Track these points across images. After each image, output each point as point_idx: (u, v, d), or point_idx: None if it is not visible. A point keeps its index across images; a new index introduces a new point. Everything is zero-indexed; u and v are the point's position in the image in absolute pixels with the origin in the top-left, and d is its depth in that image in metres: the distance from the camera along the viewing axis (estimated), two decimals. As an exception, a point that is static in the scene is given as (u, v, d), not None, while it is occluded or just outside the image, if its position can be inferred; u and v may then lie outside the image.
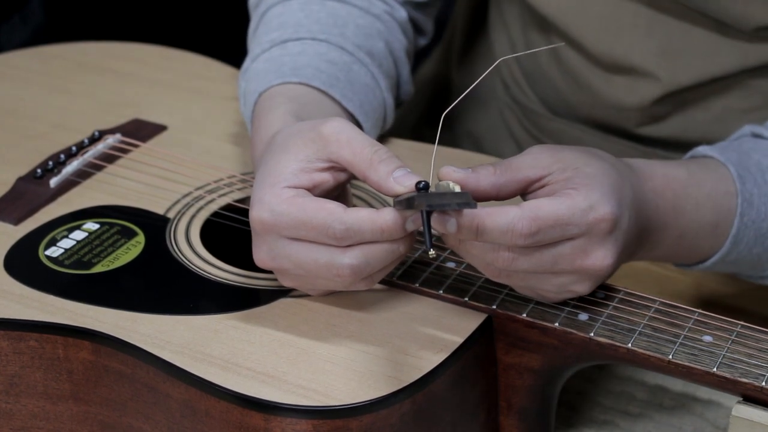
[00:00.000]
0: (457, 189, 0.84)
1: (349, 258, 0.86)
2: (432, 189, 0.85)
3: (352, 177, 0.91)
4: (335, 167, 0.89)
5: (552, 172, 0.87)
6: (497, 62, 0.95)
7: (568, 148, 0.89)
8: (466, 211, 0.83)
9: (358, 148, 0.88)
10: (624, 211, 0.87)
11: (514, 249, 0.85)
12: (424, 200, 0.82)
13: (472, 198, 0.83)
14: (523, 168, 0.87)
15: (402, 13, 1.14)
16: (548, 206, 0.84)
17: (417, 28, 1.19)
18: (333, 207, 0.86)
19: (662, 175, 0.93)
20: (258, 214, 0.88)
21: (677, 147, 1.17)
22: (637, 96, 1.15)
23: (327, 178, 0.90)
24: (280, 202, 0.87)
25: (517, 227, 0.83)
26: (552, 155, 0.88)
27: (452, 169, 0.86)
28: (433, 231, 0.83)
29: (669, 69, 1.12)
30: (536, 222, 0.84)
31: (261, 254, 0.90)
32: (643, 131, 1.19)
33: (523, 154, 0.89)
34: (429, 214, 0.82)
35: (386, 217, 0.85)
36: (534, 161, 0.88)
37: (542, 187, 0.87)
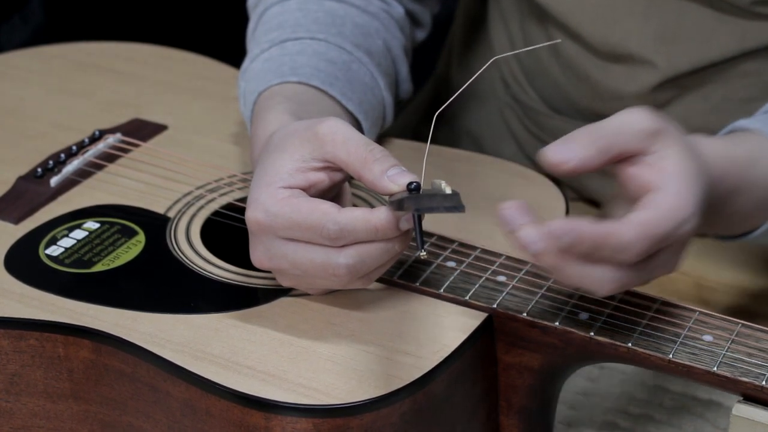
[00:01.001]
0: (449, 190, 0.84)
1: (345, 257, 0.87)
2: (427, 187, 0.85)
3: (348, 177, 0.91)
4: (331, 167, 0.89)
5: (650, 152, 0.85)
6: (492, 60, 0.95)
7: (669, 125, 0.86)
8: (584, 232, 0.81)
9: (353, 148, 0.88)
10: (701, 218, 0.86)
11: (622, 266, 0.84)
12: (413, 203, 0.82)
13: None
14: (623, 137, 0.84)
15: (399, 11, 1.14)
16: (656, 224, 0.83)
17: (415, 21, 1.19)
18: (327, 207, 0.86)
19: (723, 159, 0.91)
20: (253, 215, 0.88)
21: None
22: (636, 84, 1.15)
23: (322, 178, 0.90)
24: (275, 203, 0.87)
25: (633, 249, 0.82)
26: (655, 129, 0.85)
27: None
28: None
29: (667, 55, 1.12)
30: (648, 241, 0.83)
31: (258, 254, 0.90)
32: None
33: (623, 116, 0.85)
34: (420, 215, 0.82)
35: (380, 216, 0.85)
36: (636, 130, 0.84)
37: (631, 163, 0.85)
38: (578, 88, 1.20)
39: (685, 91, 1.15)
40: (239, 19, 1.33)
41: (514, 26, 1.25)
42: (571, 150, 0.84)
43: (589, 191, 1.26)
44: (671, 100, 1.16)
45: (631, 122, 0.85)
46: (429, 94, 1.42)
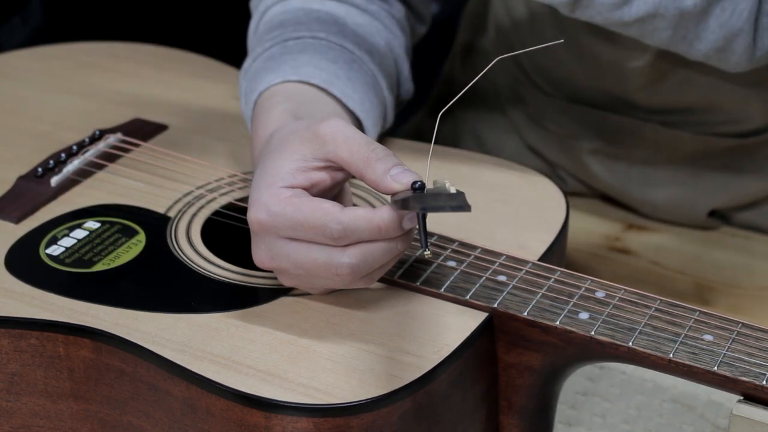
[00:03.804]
0: (453, 189, 0.84)
1: (348, 257, 0.87)
2: (430, 186, 0.85)
3: (350, 176, 0.91)
4: (332, 166, 0.89)
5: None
6: (495, 60, 0.95)
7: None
8: None
9: (355, 147, 0.88)
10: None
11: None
12: (418, 202, 0.81)
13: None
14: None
15: (400, 10, 1.14)
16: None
17: (415, 15, 1.18)
18: (329, 207, 0.86)
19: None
20: (255, 215, 0.88)
21: (674, 113, 1.16)
22: (641, 60, 1.13)
23: (324, 177, 0.90)
24: (277, 203, 0.87)
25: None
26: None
27: None
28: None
29: None
30: None
31: (260, 254, 0.90)
32: (642, 98, 1.17)
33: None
34: (424, 214, 0.82)
35: (383, 215, 0.85)
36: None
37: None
38: (582, 64, 1.19)
39: (685, 60, 1.14)
40: (239, 18, 1.33)
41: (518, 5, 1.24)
42: None
43: (601, 186, 1.26)
44: (673, 69, 1.15)
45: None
46: (435, 95, 1.42)
